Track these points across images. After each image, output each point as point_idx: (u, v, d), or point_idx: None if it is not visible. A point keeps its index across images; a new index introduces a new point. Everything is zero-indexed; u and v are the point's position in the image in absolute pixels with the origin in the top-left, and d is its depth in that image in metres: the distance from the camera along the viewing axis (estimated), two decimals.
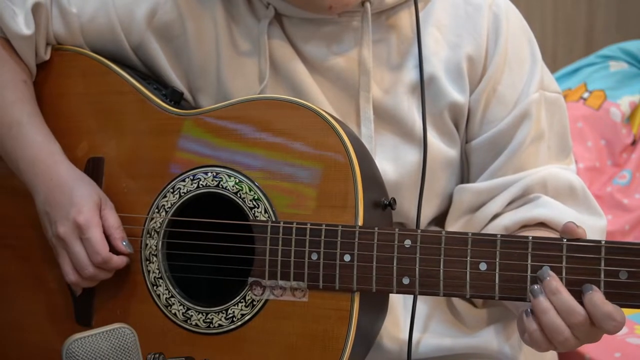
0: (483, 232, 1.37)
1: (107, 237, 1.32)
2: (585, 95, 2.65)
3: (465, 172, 1.43)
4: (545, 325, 1.13)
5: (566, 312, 1.12)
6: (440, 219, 1.43)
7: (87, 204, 1.31)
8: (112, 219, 1.33)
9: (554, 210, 1.33)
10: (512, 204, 1.37)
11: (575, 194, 1.37)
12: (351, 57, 1.37)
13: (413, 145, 1.36)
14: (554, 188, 1.36)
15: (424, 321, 1.40)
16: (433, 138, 1.37)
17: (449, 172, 1.40)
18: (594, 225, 1.35)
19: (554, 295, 1.13)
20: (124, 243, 1.32)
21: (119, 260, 1.31)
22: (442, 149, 1.38)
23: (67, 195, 1.32)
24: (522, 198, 1.37)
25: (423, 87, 1.35)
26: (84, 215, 1.30)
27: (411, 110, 1.36)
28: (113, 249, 1.31)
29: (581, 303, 1.13)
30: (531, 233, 1.30)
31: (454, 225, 1.40)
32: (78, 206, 1.31)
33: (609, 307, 1.11)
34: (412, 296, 1.32)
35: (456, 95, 1.36)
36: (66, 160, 1.37)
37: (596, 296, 1.12)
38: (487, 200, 1.37)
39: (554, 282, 1.13)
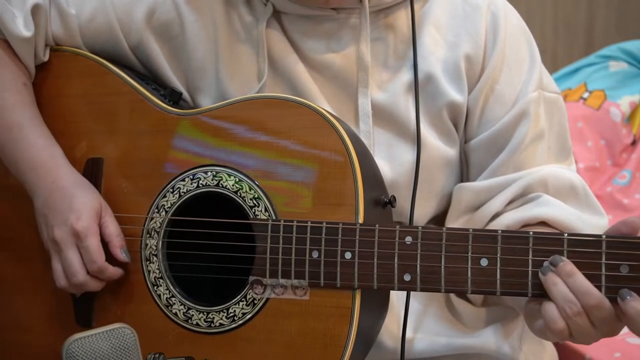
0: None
1: (107, 245, 1.31)
2: (585, 95, 2.64)
3: (464, 172, 1.42)
4: (556, 297, 1.12)
5: (582, 294, 1.11)
6: (439, 219, 1.43)
7: (86, 211, 1.31)
8: (112, 226, 1.32)
9: (555, 209, 1.33)
10: (512, 203, 1.37)
11: (576, 193, 1.37)
12: (349, 54, 1.37)
13: (409, 144, 1.36)
14: (555, 187, 1.36)
15: (423, 320, 1.39)
16: (431, 137, 1.37)
17: (448, 172, 1.40)
18: (597, 224, 1.35)
19: (570, 278, 1.12)
20: (123, 251, 1.32)
21: (114, 271, 1.31)
22: (441, 148, 1.38)
23: (67, 201, 1.32)
24: (522, 197, 1.36)
25: (417, 87, 1.35)
26: (82, 222, 1.29)
27: (408, 110, 1.36)
28: (109, 257, 1.31)
29: None
30: None
31: (453, 224, 1.39)
32: (77, 213, 1.30)
33: None
34: (411, 294, 1.32)
35: (454, 94, 1.36)
36: (68, 164, 1.37)
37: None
38: (487, 200, 1.37)
39: (568, 265, 1.13)
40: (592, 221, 1.35)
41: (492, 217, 1.37)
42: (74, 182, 1.34)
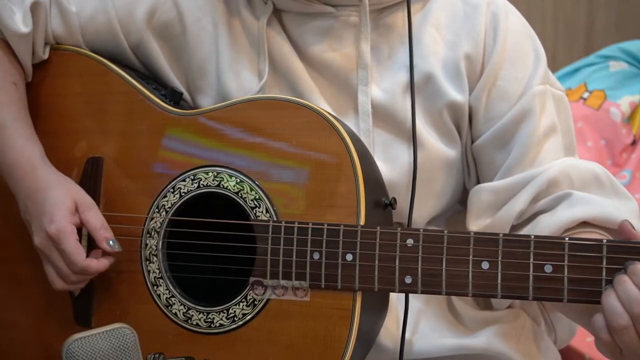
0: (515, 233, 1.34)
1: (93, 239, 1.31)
2: (585, 95, 2.64)
3: (469, 174, 1.41)
4: (603, 306, 1.11)
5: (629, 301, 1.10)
6: (438, 220, 1.43)
7: (58, 211, 1.29)
8: (94, 220, 1.31)
9: (592, 207, 1.30)
10: (538, 200, 1.34)
11: (601, 181, 1.34)
12: (349, 53, 1.37)
13: (408, 144, 1.36)
14: (579, 179, 1.33)
15: (422, 320, 1.39)
16: (431, 138, 1.37)
17: (448, 173, 1.39)
18: (628, 210, 1.32)
19: (619, 285, 1.11)
20: (111, 243, 1.30)
21: (99, 265, 1.29)
22: (441, 149, 1.37)
23: (40, 204, 1.31)
24: (549, 194, 1.33)
25: (413, 87, 1.35)
26: (54, 225, 1.28)
27: (406, 109, 1.36)
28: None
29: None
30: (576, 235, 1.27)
31: (475, 224, 1.37)
32: (49, 215, 1.29)
33: None
34: (410, 295, 1.32)
35: (455, 94, 1.36)
36: (44, 164, 1.35)
37: None
38: (508, 198, 1.35)
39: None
40: (624, 208, 1.32)
41: (519, 216, 1.34)
42: (47, 184, 1.33)
